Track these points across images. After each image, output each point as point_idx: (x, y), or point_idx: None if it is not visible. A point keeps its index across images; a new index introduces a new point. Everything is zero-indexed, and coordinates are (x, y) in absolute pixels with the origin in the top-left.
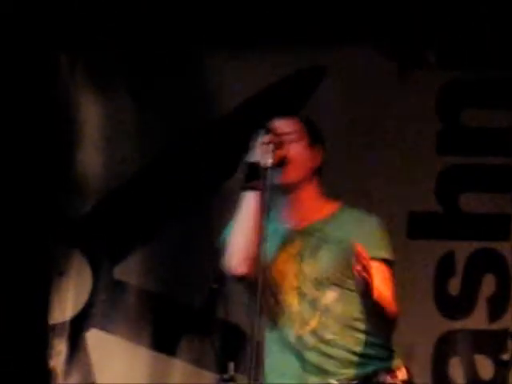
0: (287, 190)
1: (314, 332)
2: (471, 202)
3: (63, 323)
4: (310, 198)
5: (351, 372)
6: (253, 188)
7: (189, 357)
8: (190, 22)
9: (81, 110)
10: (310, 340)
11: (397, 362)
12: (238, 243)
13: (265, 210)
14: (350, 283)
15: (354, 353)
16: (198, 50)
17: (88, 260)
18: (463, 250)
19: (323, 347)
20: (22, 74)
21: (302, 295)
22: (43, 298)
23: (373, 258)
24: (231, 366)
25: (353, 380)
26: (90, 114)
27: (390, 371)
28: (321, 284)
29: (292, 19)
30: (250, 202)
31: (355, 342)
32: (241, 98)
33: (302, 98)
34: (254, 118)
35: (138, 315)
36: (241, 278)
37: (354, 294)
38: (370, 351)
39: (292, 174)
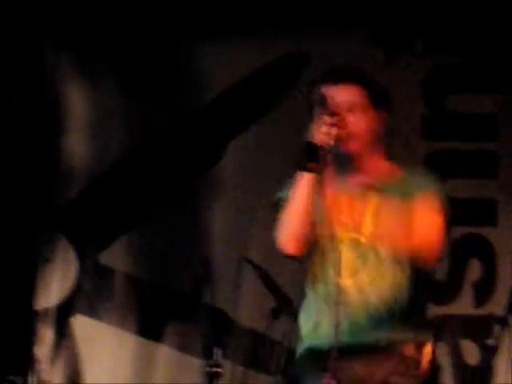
0: (352, 156)
1: (358, 285)
2: (457, 187)
3: (49, 309)
4: (374, 163)
5: (381, 335)
6: (310, 169)
7: (175, 343)
8: (175, 10)
9: (66, 96)
10: (353, 292)
11: (426, 336)
12: (290, 222)
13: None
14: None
15: (392, 316)
16: (184, 37)
17: (73, 246)
18: (449, 235)
19: (364, 302)
20: (7, 62)
21: (356, 247)
22: (29, 285)
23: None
24: (217, 351)
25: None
26: (76, 101)
27: (418, 344)
28: (377, 239)
29: (277, 5)
30: (305, 184)
31: (396, 303)
32: (226, 84)
33: (288, 83)
34: (239, 103)
35: (123, 301)
36: (290, 257)
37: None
38: (408, 317)
39: (355, 144)
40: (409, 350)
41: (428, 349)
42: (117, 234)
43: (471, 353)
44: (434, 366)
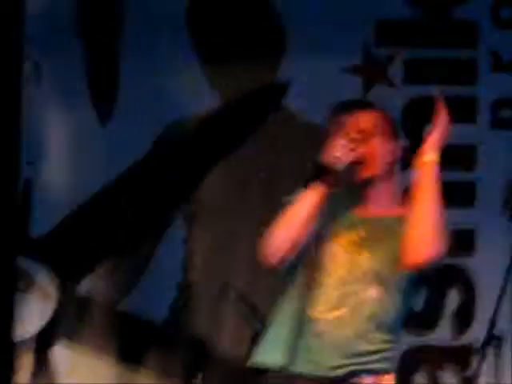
0: (364, 183)
1: (334, 321)
2: None
3: (28, 339)
4: (385, 195)
5: (343, 371)
6: (314, 188)
7: (154, 371)
8: None
9: (44, 123)
10: (327, 327)
11: (388, 365)
12: (281, 235)
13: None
14: (394, 284)
15: (364, 352)
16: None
17: (52, 276)
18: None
19: (334, 339)
20: None
21: (341, 282)
22: (7, 315)
23: None
24: (199, 376)
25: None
26: (54, 127)
27: (378, 373)
28: (366, 277)
29: (256, 33)
30: (306, 201)
31: (369, 345)
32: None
33: (266, 112)
34: (219, 131)
35: (102, 330)
36: (271, 267)
37: (393, 298)
38: (379, 354)
39: (369, 171)
40: (367, 380)
41: (387, 379)
42: (95, 263)
43: (450, 383)
44: None
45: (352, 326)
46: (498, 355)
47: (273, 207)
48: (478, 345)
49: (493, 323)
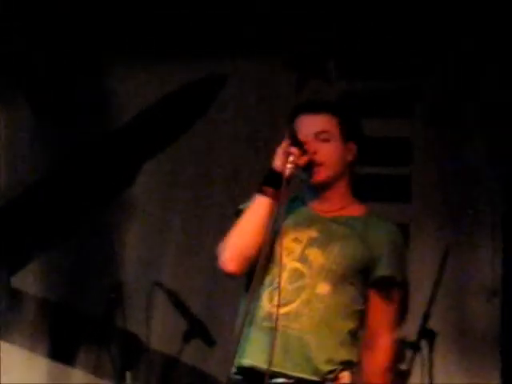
0: (317, 185)
1: (287, 315)
2: None
3: None
4: (340, 195)
5: (298, 369)
6: (266, 193)
7: (87, 366)
8: (89, 32)
9: None
10: (281, 321)
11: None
12: (235, 242)
13: (277, 220)
14: (345, 280)
15: (315, 352)
16: (97, 59)
17: None
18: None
19: (288, 333)
20: None
21: (296, 276)
22: None
23: (378, 279)
24: (128, 375)
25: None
26: None
27: (335, 378)
28: (321, 274)
29: (193, 27)
30: (259, 207)
31: (322, 341)
32: (141, 107)
33: (202, 106)
34: (152, 126)
35: (36, 325)
36: (229, 275)
37: (347, 297)
38: (333, 355)
39: (322, 174)
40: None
41: (344, 376)
42: (29, 257)
43: None
44: None
45: (305, 319)
46: (431, 349)
47: (202, 204)
48: (412, 339)
49: (426, 317)
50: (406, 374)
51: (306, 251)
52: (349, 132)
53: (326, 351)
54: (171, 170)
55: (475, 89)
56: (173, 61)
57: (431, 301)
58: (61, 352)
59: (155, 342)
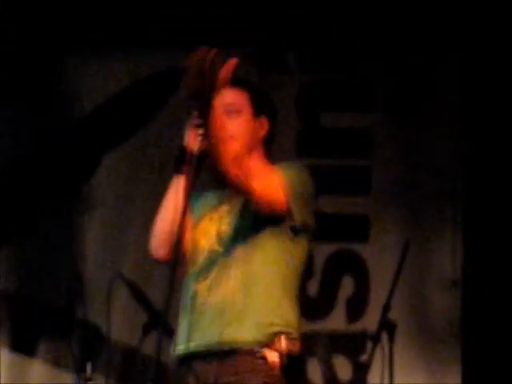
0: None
1: (208, 290)
2: (330, 204)
3: None
4: (251, 167)
5: (231, 336)
6: (179, 172)
7: (47, 357)
8: (49, 23)
9: None
10: (204, 295)
11: (278, 329)
12: (160, 226)
13: (187, 196)
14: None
15: (242, 316)
16: (57, 51)
17: None
18: (322, 251)
19: (213, 304)
20: None
21: (211, 251)
22: None
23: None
24: (89, 366)
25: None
26: None
27: (269, 344)
28: (228, 241)
29: (152, 19)
30: (174, 186)
31: (247, 305)
32: (101, 98)
33: (161, 98)
34: (111, 119)
35: None
36: (160, 261)
37: (259, 257)
38: (261, 317)
39: (235, 147)
40: (253, 348)
41: (281, 343)
42: None
43: (344, 369)
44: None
45: (221, 291)
46: (391, 341)
47: (162, 197)
48: (372, 331)
49: (386, 309)
50: (366, 366)
51: (218, 227)
52: (259, 106)
53: (254, 315)
54: (131, 163)
55: (435, 80)
56: (130, 54)
57: (391, 292)
58: (21, 343)
59: (116, 333)
